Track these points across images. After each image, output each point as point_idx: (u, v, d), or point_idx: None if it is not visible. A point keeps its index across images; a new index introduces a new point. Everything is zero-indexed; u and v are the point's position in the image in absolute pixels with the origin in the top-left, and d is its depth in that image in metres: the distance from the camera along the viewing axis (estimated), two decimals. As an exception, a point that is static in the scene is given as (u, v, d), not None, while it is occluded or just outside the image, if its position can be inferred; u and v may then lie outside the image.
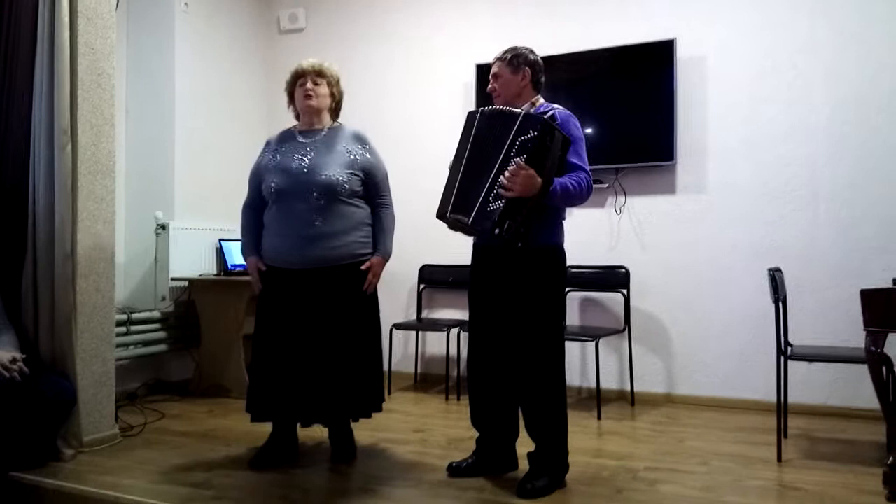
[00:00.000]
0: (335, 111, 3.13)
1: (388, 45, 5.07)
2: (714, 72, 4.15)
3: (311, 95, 2.99)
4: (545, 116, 2.67)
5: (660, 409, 4.02)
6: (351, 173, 2.92)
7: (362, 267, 2.96)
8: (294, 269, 2.91)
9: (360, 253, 2.96)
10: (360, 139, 3.04)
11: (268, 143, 3.11)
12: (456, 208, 2.69)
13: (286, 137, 3.08)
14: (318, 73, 3.02)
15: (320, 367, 2.88)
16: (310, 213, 2.86)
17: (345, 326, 2.92)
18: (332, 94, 3.06)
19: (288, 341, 2.91)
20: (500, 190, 2.50)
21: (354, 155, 2.96)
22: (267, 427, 3.08)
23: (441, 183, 2.78)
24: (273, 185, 2.91)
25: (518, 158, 2.50)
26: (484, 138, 2.66)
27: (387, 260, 3.04)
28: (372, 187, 3.02)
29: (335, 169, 2.89)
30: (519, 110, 2.60)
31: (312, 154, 2.94)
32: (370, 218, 3.02)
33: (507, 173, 2.49)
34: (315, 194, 2.85)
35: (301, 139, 3.02)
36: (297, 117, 3.12)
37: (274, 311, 2.96)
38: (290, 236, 2.89)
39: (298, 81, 3.04)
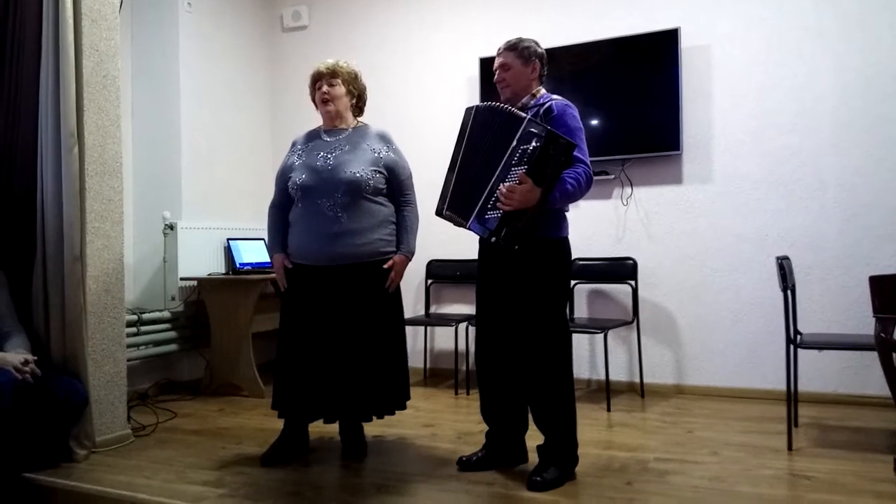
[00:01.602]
0: (358, 107, 3.14)
1: (392, 40, 5.07)
2: (719, 61, 4.14)
3: (328, 100, 3.01)
4: (542, 108, 2.67)
5: (669, 401, 4.02)
6: (375, 170, 2.93)
7: (385, 266, 2.96)
8: (319, 266, 2.92)
9: (385, 251, 2.98)
10: (385, 139, 3.05)
11: (294, 144, 3.13)
12: (453, 207, 2.71)
13: (312, 137, 3.10)
14: (332, 74, 3.02)
15: (344, 363, 2.89)
16: (335, 210, 2.87)
17: (369, 323, 2.93)
18: (349, 92, 3.06)
19: (313, 338, 2.92)
20: (498, 203, 2.51)
21: (379, 153, 2.98)
22: (278, 424, 3.10)
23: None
24: (298, 182, 2.93)
25: (519, 169, 2.50)
26: (482, 138, 2.65)
27: (409, 259, 3.05)
28: (395, 186, 3.03)
29: (360, 166, 2.90)
30: (522, 115, 2.55)
31: (338, 152, 2.96)
32: (394, 216, 3.04)
33: (504, 188, 2.49)
34: (340, 191, 2.87)
35: (326, 138, 3.04)
36: None
37: (299, 309, 2.98)
38: (315, 233, 2.91)
39: (316, 85, 3.05)
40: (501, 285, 2.74)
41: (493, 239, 2.55)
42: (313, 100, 3.11)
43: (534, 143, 2.48)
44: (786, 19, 3.98)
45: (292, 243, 3.01)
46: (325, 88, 3.01)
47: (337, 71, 3.03)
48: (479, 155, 2.64)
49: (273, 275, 3.18)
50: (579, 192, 2.61)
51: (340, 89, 3.03)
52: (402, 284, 3.07)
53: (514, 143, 2.51)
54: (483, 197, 2.58)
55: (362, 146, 2.98)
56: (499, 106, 2.66)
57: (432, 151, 4.76)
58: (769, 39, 4.02)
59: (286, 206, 3.07)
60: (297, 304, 2.99)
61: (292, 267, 3.00)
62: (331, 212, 2.88)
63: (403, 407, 3.07)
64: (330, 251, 2.89)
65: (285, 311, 3.04)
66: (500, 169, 2.54)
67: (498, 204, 2.52)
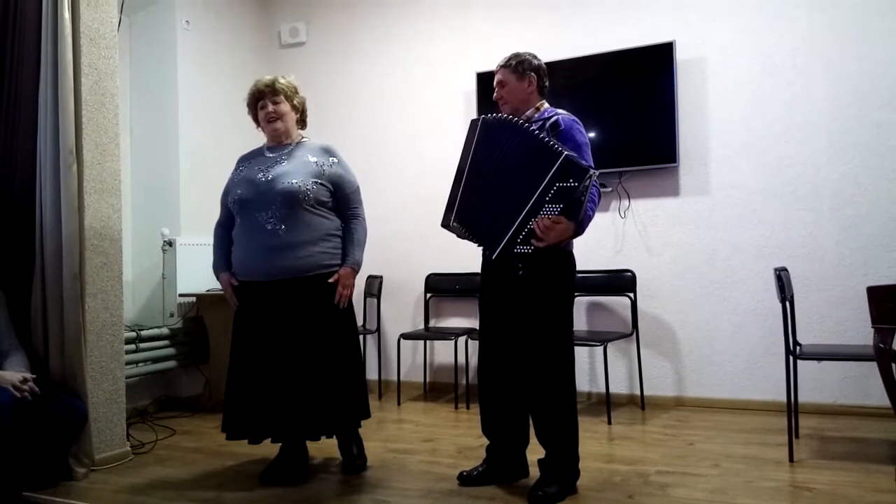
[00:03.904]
0: (301, 121, 3.11)
1: (389, 56, 5.10)
2: (714, 73, 4.16)
3: (275, 118, 2.97)
4: (548, 122, 2.66)
5: (670, 413, 4.01)
6: (317, 183, 2.88)
7: (330, 280, 2.91)
8: (262, 281, 2.88)
9: (328, 264, 2.91)
10: (328, 151, 3.01)
11: (238, 161, 3.11)
12: (466, 225, 2.67)
13: (255, 154, 3.08)
14: (274, 92, 2.98)
15: (289, 381, 2.83)
16: (274, 223, 2.83)
17: (316, 338, 2.87)
18: (293, 108, 3.03)
19: (262, 356, 2.87)
20: (533, 234, 2.47)
21: (321, 166, 2.93)
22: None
23: (444, 193, 2.78)
24: (236, 196, 2.91)
25: (554, 206, 2.44)
26: (503, 158, 2.58)
27: (356, 271, 2.99)
28: (342, 199, 2.98)
29: (298, 177, 2.85)
30: (559, 149, 2.45)
31: (277, 165, 2.92)
32: (340, 230, 2.98)
33: (538, 226, 2.45)
34: (277, 203, 2.82)
35: (268, 154, 3.01)
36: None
37: (248, 326, 2.94)
38: (255, 248, 2.86)
39: (259, 104, 3.03)
40: (506, 299, 2.72)
41: (521, 272, 2.53)
42: (255, 119, 3.07)
43: (571, 182, 2.41)
44: (780, 30, 4.01)
45: (234, 260, 2.97)
46: (270, 108, 2.97)
47: (278, 88, 2.99)
48: (503, 179, 2.58)
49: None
50: (594, 213, 2.62)
51: (285, 106, 2.99)
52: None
53: (549, 178, 2.43)
54: (512, 230, 2.51)
55: (303, 158, 2.94)
56: (529, 130, 2.56)
57: (429, 166, 4.80)
58: (764, 51, 4.05)
59: (230, 224, 3.03)
60: (245, 322, 2.95)
61: (238, 285, 2.97)
62: (269, 225, 2.83)
63: (358, 425, 3.04)
64: (269, 266, 2.84)
65: (235, 330, 2.99)
66: (531, 203, 2.47)
67: (532, 241, 2.48)
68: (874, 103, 3.81)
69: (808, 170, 3.94)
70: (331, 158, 2.98)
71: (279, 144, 3.03)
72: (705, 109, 4.18)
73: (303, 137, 3.09)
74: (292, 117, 3.03)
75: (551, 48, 4.43)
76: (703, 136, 4.18)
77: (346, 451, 3.10)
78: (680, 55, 4.16)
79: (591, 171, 2.43)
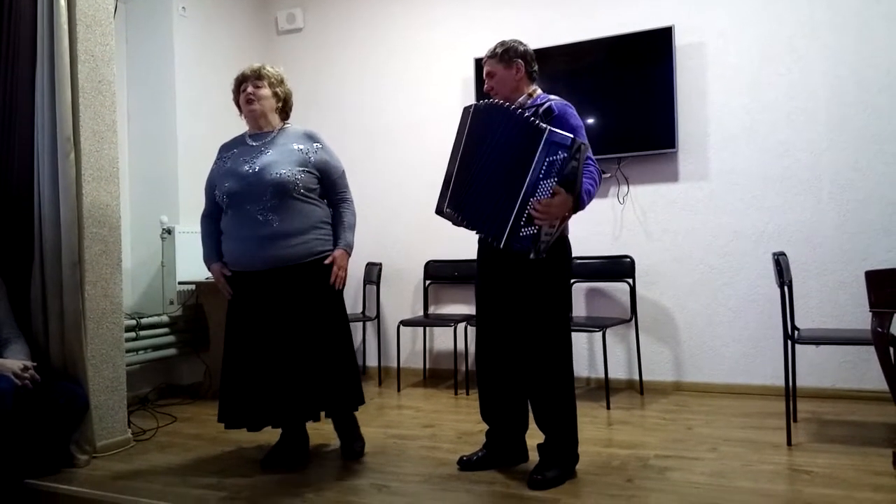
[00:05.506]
0: (284, 111, 3.09)
1: (387, 41, 5.07)
2: (713, 58, 4.15)
3: (253, 100, 2.96)
4: (542, 108, 2.66)
5: (669, 398, 4.03)
6: (304, 171, 2.88)
7: (326, 261, 2.91)
8: (255, 271, 2.88)
9: (321, 250, 2.92)
10: (312, 137, 3.00)
11: (220, 151, 3.09)
12: (467, 216, 2.66)
13: (237, 143, 3.05)
14: (258, 77, 2.98)
15: (289, 367, 2.84)
16: (265, 214, 2.82)
17: (310, 324, 2.87)
18: (275, 95, 3.01)
19: (258, 344, 2.88)
20: (535, 215, 2.45)
21: (307, 153, 2.92)
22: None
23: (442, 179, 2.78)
24: (225, 189, 2.89)
25: (548, 181, 2.44)
26: (494, 143, 2.57)
27: (349, 253, 3.00)
28: (329, 185, 2.99)
29: (286, 167, 2.85)
30: (543, 126, 2.45)
31: (262, 155, 2.91)
32: (330, 217, 2.99)
33: (538, 205, 2.44)
34: (267, 194, 2.82)
35: (251, 142, 2.99)
36: None
37: (242, 316, 2.94)
38: (247, 239, 2.85)
39: (241, 88, 3.01)
40: (502, 284, 2.73)
41: (533, 255, 2.51)
42: (237, 103, 3.06)
43: (560, 154, 2.42)
44: (779, 15, 3.99)
45: (226, 251, 2.96)
46: (249, 89, 2.96)
47: (262, 73, 2.99)
48: (495, 163, 2.57)
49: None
50: (596, 190, 2.62)
51: (266, 90, 2.98)
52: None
53: (538, 155, 2.43)
54: (514, 216, 2.49)
55: (288, 146, 2.93)
56: (516, 113, 2.56)
57: (429, 150, 4.79)
58: (763, 35, 4.03)
59: (217, 215, 3.02)
60: (239, 312, 2.95)
61: (231, 275, 2.97)
62: (261, 216, 2.82)
63: (354, 408, 3.06)
64: (263, 255, 2.83)
65: (229, 320, 2.99)
66: (526, 184, 2.45)
67: (535, 221, 2.47)
68: (873, 88, 3.80)
69: (807, 155, 3.94)
70: (315, 144, 2.97)
71: (261, 132, 3.01)
72: (704, 95, 4.16)
73: (284, 124, 3.07)
74: (272, 104, 3.01)
75: (550, 33, 4.41)
76: (703, 122, 4.17)
77: (345, 436, 3.12)
78: (679, 40, 4.15)
79: (577, 140, 2.43)
